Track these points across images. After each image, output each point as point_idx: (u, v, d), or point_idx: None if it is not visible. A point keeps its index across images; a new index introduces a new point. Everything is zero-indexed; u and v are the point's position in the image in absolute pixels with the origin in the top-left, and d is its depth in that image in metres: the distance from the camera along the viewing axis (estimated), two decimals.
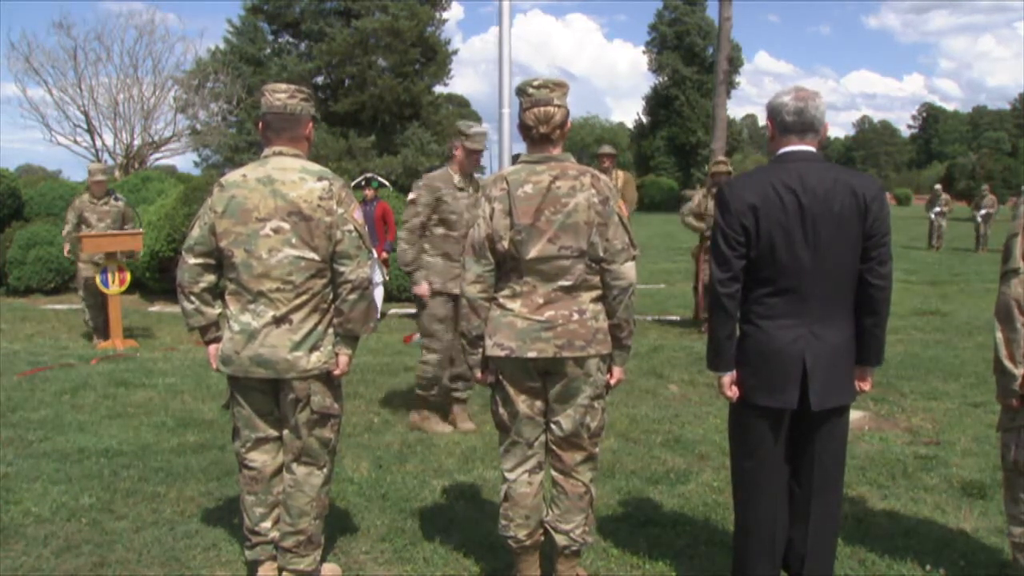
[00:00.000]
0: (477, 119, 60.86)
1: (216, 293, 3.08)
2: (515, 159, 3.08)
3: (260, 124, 3.07)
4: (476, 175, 5.19)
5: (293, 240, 2.91)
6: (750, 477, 2.85)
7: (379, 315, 8.86)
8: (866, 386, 2.87)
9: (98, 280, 8.11)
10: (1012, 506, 2.99)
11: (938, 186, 23.40)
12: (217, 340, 3.07)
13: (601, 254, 2.86)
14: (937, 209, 21.39)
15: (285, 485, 3.07)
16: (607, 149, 8.63)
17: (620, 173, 8.57)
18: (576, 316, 2.87)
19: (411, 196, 5.11)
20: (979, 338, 8.06)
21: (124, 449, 4.72)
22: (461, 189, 5.05)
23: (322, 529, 3.12)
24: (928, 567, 3.28)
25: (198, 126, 24.72)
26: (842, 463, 2.90)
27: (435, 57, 30.69)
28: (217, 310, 3.07)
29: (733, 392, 2.81)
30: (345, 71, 29.39)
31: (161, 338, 8.78)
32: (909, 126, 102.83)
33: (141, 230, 8.78)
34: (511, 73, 6.84)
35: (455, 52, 32.24)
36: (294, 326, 2.93)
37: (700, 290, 8.93)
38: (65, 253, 8.71)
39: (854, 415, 4.41)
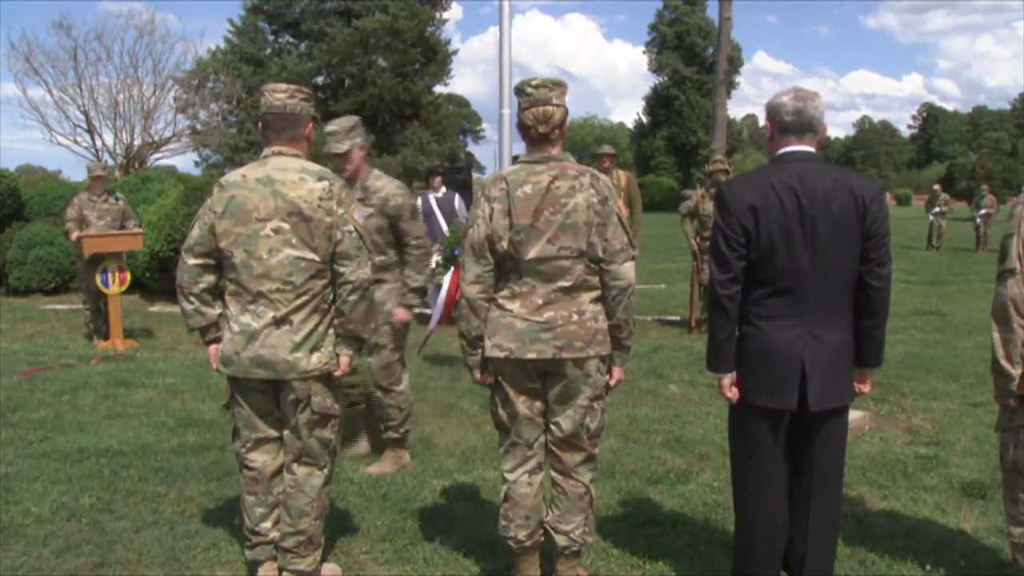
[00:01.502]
0: (477, 119, 60.93)
1: (216, 293, 3.08)
2: (515, 160, 3.08)
3: (260, 124, 3.07)
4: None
5: (293, 240, 2.91)
6: (750, 477, 2.86)
7: None
8: (865, 388, 2.87)
9: (98, 280, 8.11)
10: (1011, 506, 2.99)
11: (937, 186, 23.40)
12: (217, 340, 3.07)
13: (600, 254, 2.86)
14: (936, 209, 21.40)
15: (285, 485, 3.07)
16: (607, 149, 8.59)
17: (621, 173, 8.53)
18: (575, 317, 2.87)
19: None
20: (979, 338, 8.05)
21: (124, 449, 4.72)
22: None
23: (322, 529, 3.12)
24: (928, 567, 3.29)
25: (198, 126, 24.72)
26: (841, 463, 2.90)
27: (435, 57, 30.76)
28: (217, 310, 3.06)
29: (733, 393, 2.81)
30: (345, 71, 29.44)
31: (161, 338, 8.79)
32: (909, 126, 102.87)
33: (141, 230, 8.78)
34: (511, 73, 6.83)
35: (455, 52, 32.28)
36: (294, 327, 2.93)
37: (694, 296, 8.95)
38: (71, 239, 8.41)
39: (854, 415, 4.40)
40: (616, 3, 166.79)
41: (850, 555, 3.37)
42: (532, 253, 2.84)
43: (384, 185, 4.25)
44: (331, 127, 4.22)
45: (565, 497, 3.00)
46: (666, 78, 54.86)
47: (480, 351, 2.95)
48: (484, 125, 60.84)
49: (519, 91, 2.93)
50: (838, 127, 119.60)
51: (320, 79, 30.62)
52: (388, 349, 4.33)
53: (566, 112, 2.93)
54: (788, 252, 2.66)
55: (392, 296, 4.30)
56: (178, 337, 8.69)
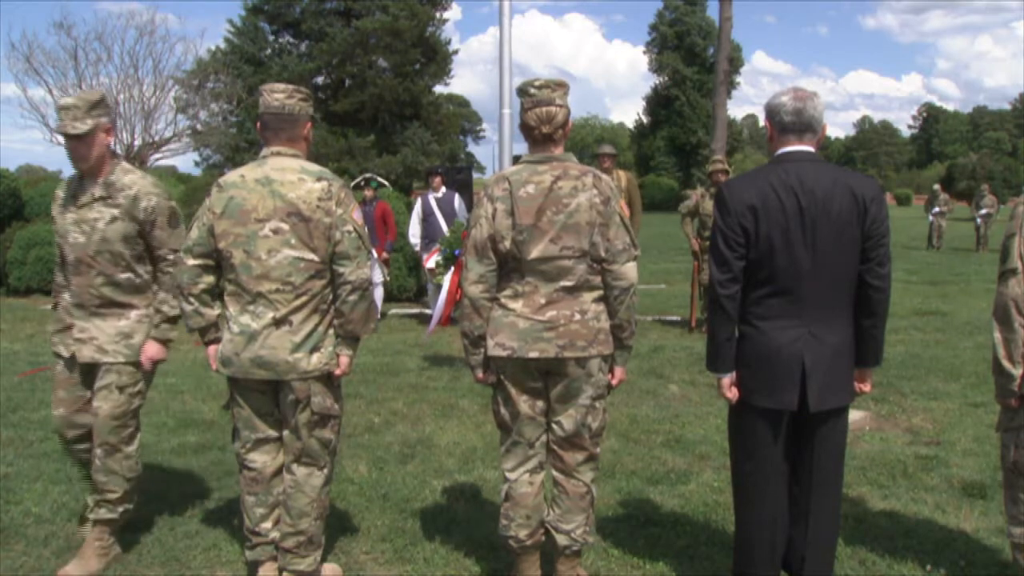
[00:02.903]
0: (477, 119, 60.91)
1: (215, 294, 3.07)
2: (516, 160, 3.08)
3: (258, 124, 3.07)
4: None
5: (292, 241, 2.91)
6: (750, 478, 2.86)
7: (379, 315, 8.85)
8: (866, 387, 2.87)
9: None
10: (1012, 506, 2.99)
11: (937, 186, 23.42)
12: (217, 341, 3.07)
13: (602, 254, 2.86)
14: (936, 209, 21.42)
15: (285, 486, 3.07)
16: (607, 149, 8.56)
17: (622, 174, 8.51)
18: (578, 316, 2.87)
19: None
20: (979, 338, 8.05)
21: None
22: (72, 196, 3.35)
23: (322, 529, 3.12)
24: (928, 567, 3.29)
25: (199, 126, 24.71)
26: (841, 463, 2.90)
27: (435, 57, 30.72)
28: (216, 311, 3.06)
29: (733, 393, 2.81)
30: (345, 71, 29.41)
31: None
32: (909, 126, 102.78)
33: None
34: (511, 74, 6.83)
35: (455, 52, 32.26)
36: (294, 327, 2.93)
37: (694, 296, 8.95)
38: None
39: (854, 415, 4.40)
40: (616, 3, 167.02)
41: (850, 555, 3.37)
42: (535, 253, 2.84)
43: (135, 181, 3.33)
44: (67, 100, 3.23)
45: (566, 496, 3.00)
46: (666, 78, 54.81)
47: (482, 350, 2.96)
48: (484, 125, 60.80)
49: (522, 92, 2.93)
50: (838, 127, 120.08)
51: (320, 79, 30.59)
52: (128, 393, 3.34)
53: (568, 112, 2.94)
54: (788, 252, 2.66)
55: (141, 327, 3.37)
56: (178, 337, 8.67)
